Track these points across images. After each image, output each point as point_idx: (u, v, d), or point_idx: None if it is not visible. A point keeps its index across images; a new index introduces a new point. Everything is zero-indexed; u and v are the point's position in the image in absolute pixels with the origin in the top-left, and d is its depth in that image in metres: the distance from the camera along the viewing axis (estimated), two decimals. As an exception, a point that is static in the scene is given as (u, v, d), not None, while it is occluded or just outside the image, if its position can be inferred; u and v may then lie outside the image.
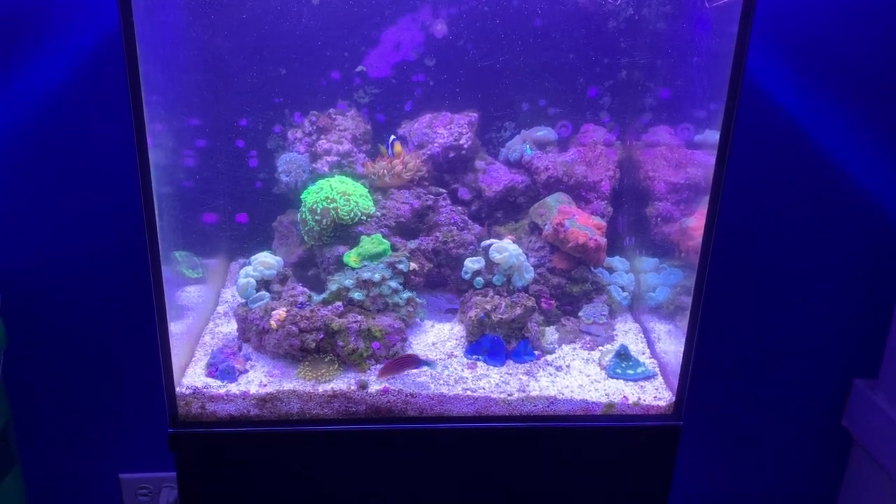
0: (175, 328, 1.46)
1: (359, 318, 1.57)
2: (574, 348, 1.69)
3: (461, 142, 1.84)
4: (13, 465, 1.89)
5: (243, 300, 1.68)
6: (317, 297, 1.62)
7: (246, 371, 1.55)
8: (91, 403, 2.10)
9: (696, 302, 1.45)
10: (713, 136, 1.39)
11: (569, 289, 1.75)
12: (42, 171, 1.84)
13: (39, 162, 1.83)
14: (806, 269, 2.06)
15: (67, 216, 1.89)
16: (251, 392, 1.49)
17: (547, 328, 1.69)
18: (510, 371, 1.59)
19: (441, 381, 1.54)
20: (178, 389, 1.48)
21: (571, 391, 1.53)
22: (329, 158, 1.82)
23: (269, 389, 1.49)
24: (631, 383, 1.57)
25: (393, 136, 1.80)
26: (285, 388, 1.49)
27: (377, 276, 1.61)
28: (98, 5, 1.72)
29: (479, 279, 1.71)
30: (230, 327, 1.72)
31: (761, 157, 1.94)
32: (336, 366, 1.54)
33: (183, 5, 1.67)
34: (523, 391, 1.52)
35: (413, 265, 1.69)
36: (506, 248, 1.69)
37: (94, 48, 1.75)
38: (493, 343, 1.61)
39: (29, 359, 2.02)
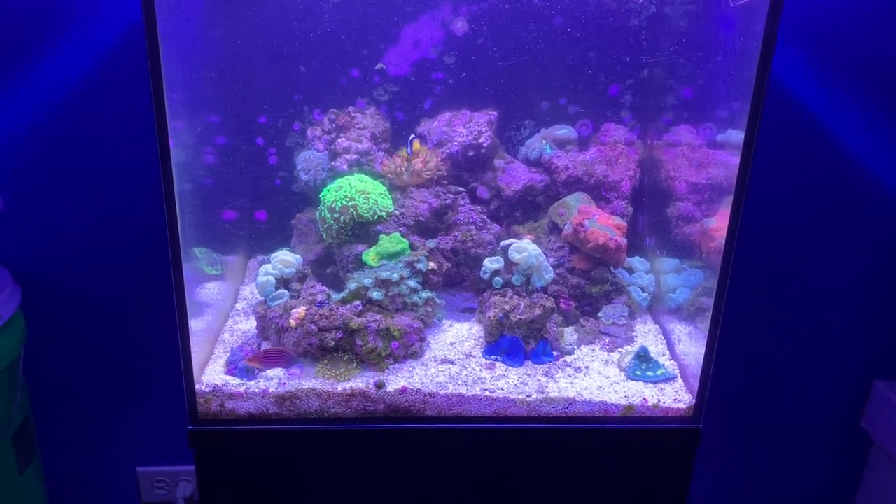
0: (194, 325, 1.46)
1: (377, 317, 1.57)
2: (593, 349, 1.68)
3: (480, 140, 1.83)
4: (33, 458, 1.91)
5: (263, 298, 1.68)
6: (336, 296, 1.62)
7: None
8: (109, 397, 2.12)
9: (717, 304, 1.44)
10: (736, 135, 1.37)
11: (588, 289, 1.74)
12: (63, 166, 1.85)
13: (61, 157, 1.84)
14: (827, 270, 2.04)
15: (88, 211, 1.90)
16: (270, 390, 1.49)
17: (566, 329, 1.68)
18: (529, 372, 1.58)
19: (459, 381, 1.53)
20: (197, 387, 1.48)
21: (590, 393, 1.52)
22: (348, 156, 1.82)
23: (288, 388, 1.49)
24: (650, 385, 1.56)
25: (413, 136, 1.79)
26: (304, 387, 1.50)
27: (396, 276, 1.61)
28: (119, 1, 1.72)
29: (498, 279, 1.71)
30: (249, 325, 1.72)
31: (783, 155, 1.91)
32: (355, 365, 1.54)
33: (204, 2, 1.66)
34: (542, 392, 1.52)
35: (431, 264, 1.69)
36: (525, 248, 1.68)
37: (116, 43, 1.76)
38: (511, 343, 1.61)
39: (49, 353, 2.03)
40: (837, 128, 1.90)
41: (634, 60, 1.79)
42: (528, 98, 1.87)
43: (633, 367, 1.58)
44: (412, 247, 1.70)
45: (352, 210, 1.69)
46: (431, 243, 1.74)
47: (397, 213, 1.74)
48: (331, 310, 1.55)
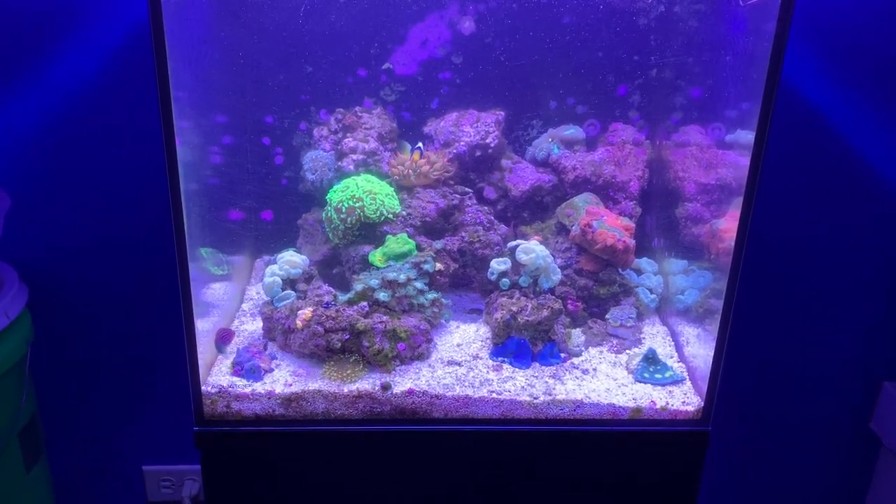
0: (201, 325, 1.46)
1: (384, 318, 1.56)
2: (601, 351, 1.67)
3: (488, 140, 1.82)
4: (40, 456, 1.91)
5: (269, 299, 1.68)
6: (342, 297, 1.61)
7: (271, 370, 1.55)
8: (115, 396, 2.12)
9: (727, 305, 1.43)
10: (745, 135, 1.36)
11: (596, 291, 1.73)
12: (69, 166, 1.85)
13: (67, 157, 1.84)
14: (836, 272, 2.03)
15: (95, 211, 1.90)
16: (276, 391, 1.49)
17: (573, 330, 1.68)
18: (536, 374, 1.57)
19: (466, 383, 1.53)
20: (203, 388, 1.48)
21: (598, 395, 1.51)
22: (355, 157, 1.81)
23: (295, 389, 1.49)
24: (659, 388, 1.55)
25: (420, 144, 1.78)
26: (310, 388, 1.49)
27: (402, 277, 1.60)
28: (124, 1, 1.72)
29: (506, 280, 1.70)
30: (255, 326, 1.72)
31: (791, 156, 1.90)
32: (361, 366, 1.54)
33: (210, 2, 1.66)
34: (549, 394, 1.51)
35: (438, 265, 1.68)
36: (532, 250, 1.67)
37: (123, 41, 1.76)
38: (518, 345, 1.60)
39: (56, 352, 2.03)
40: (846, 127, 1.89)
41: (643, 60, 1.78)
42: (535, 98, 1.86)
43: (642, 370, 1.57)
44: (419, 248, 1.69)
45: (358, 211, 1.68)
46: (438, 244, 1.73)
47: (404, 213, 1.74)
48: (337, 311, 1.54)
